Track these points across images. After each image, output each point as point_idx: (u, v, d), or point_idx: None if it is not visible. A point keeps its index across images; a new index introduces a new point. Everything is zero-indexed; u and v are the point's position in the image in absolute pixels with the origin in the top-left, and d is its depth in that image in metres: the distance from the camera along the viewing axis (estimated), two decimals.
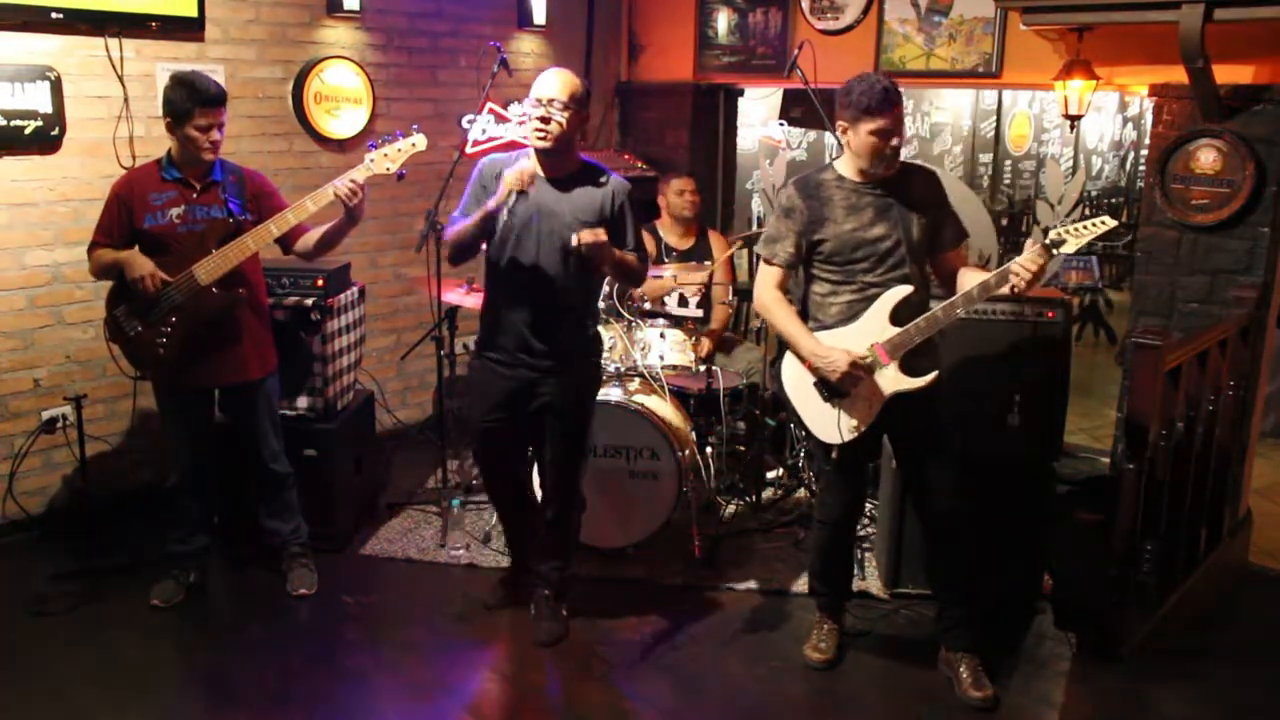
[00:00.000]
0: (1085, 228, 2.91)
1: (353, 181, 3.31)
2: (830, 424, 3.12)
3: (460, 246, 3.23)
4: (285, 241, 3.50)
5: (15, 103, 3.83)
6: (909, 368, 3.06)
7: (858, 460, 3.26)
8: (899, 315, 3.04)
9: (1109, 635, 3.43)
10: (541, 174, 3.19)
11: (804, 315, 3.19)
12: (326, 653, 3.42)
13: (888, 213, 3.05)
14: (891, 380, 3.06)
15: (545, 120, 3.10)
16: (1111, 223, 2.91)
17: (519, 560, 3.72)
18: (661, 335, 4.24)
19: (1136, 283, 4.32)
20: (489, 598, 3.70)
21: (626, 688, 3.26)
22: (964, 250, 3.25)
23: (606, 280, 3.89)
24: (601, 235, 3.07)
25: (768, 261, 3.18)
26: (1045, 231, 4.86)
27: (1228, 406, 3.87)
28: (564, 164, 3.22)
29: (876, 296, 3.06)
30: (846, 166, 3.11)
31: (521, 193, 3.07)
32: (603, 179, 3.26)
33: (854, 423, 3.09)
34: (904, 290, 3.04)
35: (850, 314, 3.09)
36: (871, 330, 3.06)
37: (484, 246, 3.27)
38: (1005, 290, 2.93)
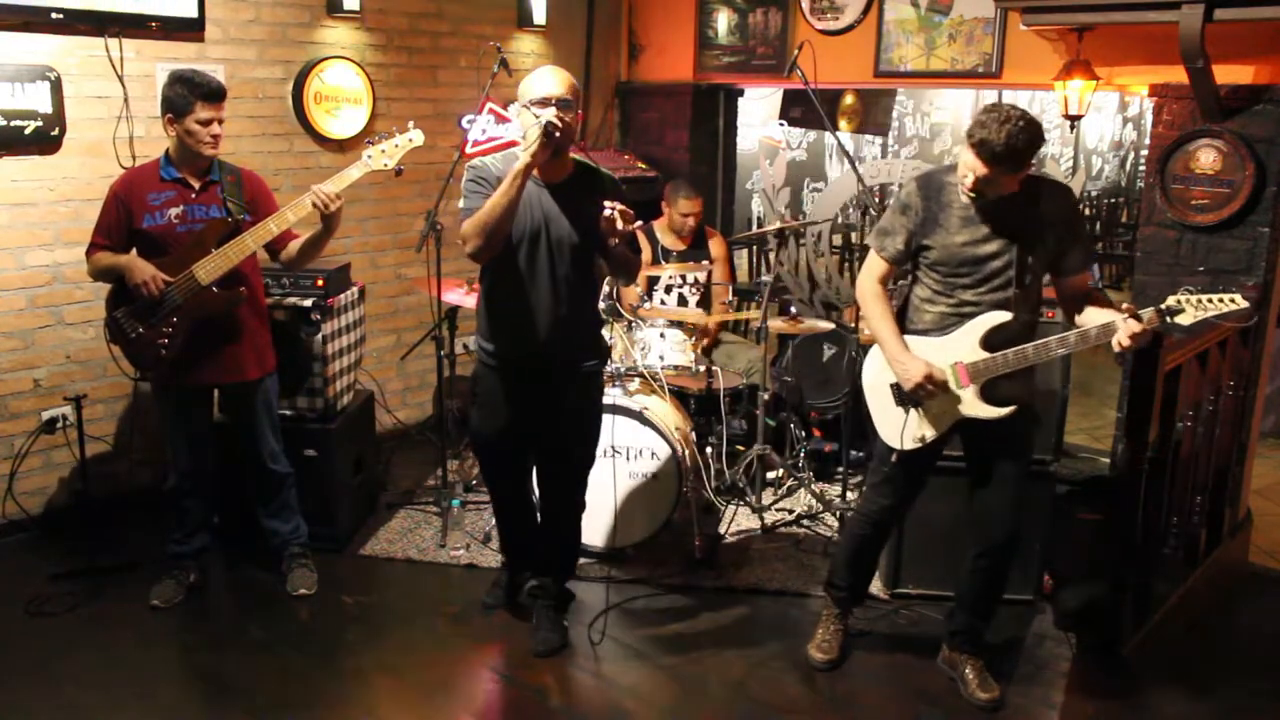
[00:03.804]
0: (1209, 302, 2.71)
1: (326, 194, 3.33)
2: (895, 428, 3.06)
3: (489, 226, 2.95)
4: (274, 247, 3.51)
5: (15, 103, 3.83)
6: (991, 393, 2.96)
7: (917, 470, 3.17)
8: (992, 340, 2.92)
9: (1109, 635, 3.43)
10: (540, 179, 3.09)
11: (901, 313, 3.10)
12: (326, 653, 3.42)
13: (1005, 231, 2.88)
14: (968, 404, 2.97)
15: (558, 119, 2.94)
16: (1243, 304, 2.73)
17: (516, 568, 3.68)
18: (661, 335, 4.24)
19: (1136, 283, 4.32)
20: (488, 598, 3.70)
21: (626, 688, 3.26)
22: (1088, 277, 3.03)
23: (606, 280, 3.89)
24: (628, 215, 2.95)
25: (877, 253, 3.07)
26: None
27: (1228, 406, 3.87)
28: (564, 166, 3.14)
29: (971, 316, 2.94)
30: None
31: (549, 135, 2.90)
32: (600, 178, 3.21)
33: (920, 434, 3.02)
34: (1000, 317, 2.91)
35: (941, 325, 2.99)
36: (959, 349, 2.95)
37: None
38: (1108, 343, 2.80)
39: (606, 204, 2.95)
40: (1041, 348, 2.88)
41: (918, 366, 2.94)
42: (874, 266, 3.09)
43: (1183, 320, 2.73)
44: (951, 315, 2.97)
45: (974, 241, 2.90)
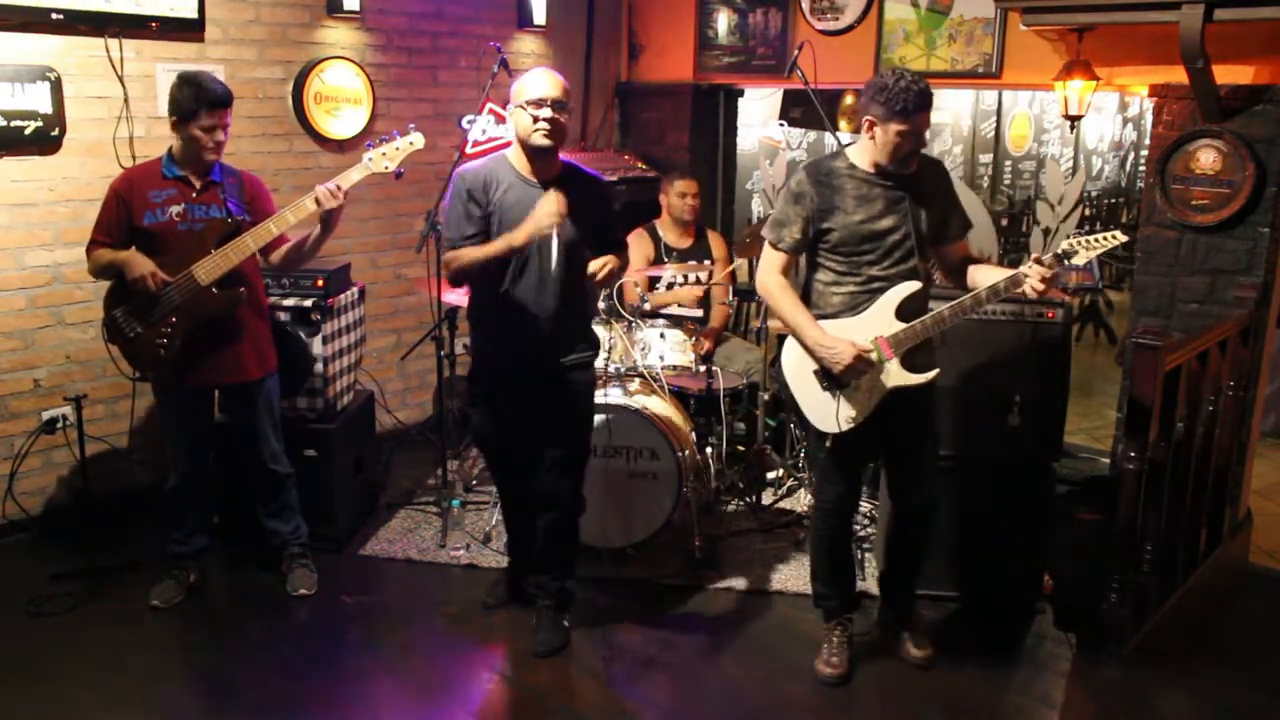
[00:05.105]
0: (1097, 241, 2.94)
1: (336, 186, 3.33)
2: (829, 413, 3.11)
3: (470, 275, 3.17)
4: (265, 249, 3.50)
5: (15, 103, 3.83)
6: (909, 363, 3.07)
7: (855, 450, 3.23)
8: (904, 310, 3.04)
9: (1109, 635, 3.43)
10: (534, 180, 3.14)
11: (804, 302, 3.16)
12: (326, 653, 3.42)
13: (898, 205, 3.03)
14: (893, 375, 3.06)
15: (551, 120, 3.04)
16: (1123, 238, 2.97)
17: (520, 565, 3.70)
18: (661, 335, 4.24)
19: (1136, 283, 4.32)
20: (489, 597, 3.70)
21: (626, 688, 3.26)
22: (968, 242, 3.25)
23: None
24: (613, 263, 3.15)
25: (773, 246, 3.13)
26: (1043, 231, 4.86)
27: (1228, 406, 3.87)
28: (552, 166, 3.18)
29: (881, 290, 3.05)
30: (860, 156, 3.06)
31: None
32: (591, 181, 3.25)
33: (852, 413, 3.09)
34: (913, 286, 3.04)
35: (852, 305, 3.08)
36: (877, 324, 3.04)
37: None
38: (1016, 293, 2.98)
39: (594, 265, 3.12)
40: (956, 309, 3.02)
41: (845, 347, 3.01)
42: (773, 260, 3.15)
43: (1077, 260, 2.95)
44: (862, 293, 3.07)
45: (872, 218, 3.03)
